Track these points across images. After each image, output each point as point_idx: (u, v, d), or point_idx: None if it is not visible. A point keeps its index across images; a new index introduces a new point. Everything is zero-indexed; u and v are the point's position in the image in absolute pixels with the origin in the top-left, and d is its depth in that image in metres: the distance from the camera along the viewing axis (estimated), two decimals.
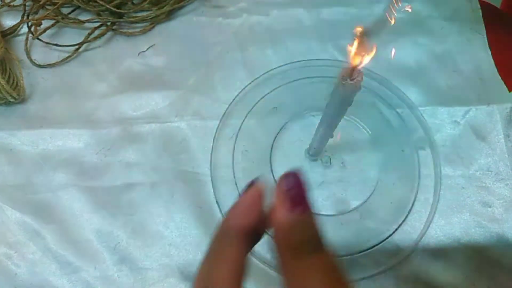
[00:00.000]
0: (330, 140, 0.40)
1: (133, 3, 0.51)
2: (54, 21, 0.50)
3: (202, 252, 0.42)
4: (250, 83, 0.48)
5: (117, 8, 0.49)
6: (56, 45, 0.49)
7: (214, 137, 0.46)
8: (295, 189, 0.23)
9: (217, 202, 0.43)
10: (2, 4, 0.50)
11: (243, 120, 0.46)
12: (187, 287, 0.41)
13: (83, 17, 0.50)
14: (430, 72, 0.49)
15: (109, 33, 0.50)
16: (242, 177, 0.44)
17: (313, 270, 0.22)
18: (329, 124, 0.35)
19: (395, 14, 0.27)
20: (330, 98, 0.31)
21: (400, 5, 0.27)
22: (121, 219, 0.43)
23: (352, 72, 0.27)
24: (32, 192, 0.44)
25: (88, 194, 0.44)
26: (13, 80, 0.46)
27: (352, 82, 0.27)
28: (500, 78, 0.49)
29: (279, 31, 0.51)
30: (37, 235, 0.42)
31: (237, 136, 0.46)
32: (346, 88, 0.28)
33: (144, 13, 0.50)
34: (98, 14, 0.50)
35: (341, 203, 0.43)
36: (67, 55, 0.49)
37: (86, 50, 0.50)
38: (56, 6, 0.49)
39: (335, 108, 0.31)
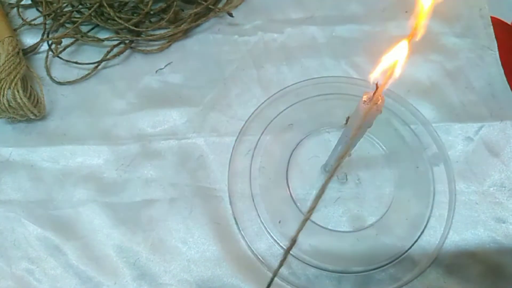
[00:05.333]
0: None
1: (150, 22, 0.52)
2: (73, 39, 0.51)
3: (220, 268, 0.42)
4: (266, 100, 0.48)
5: (135, 26, 0.50)
6: (76, 62, 0.50)
7: (231, 153, 0.46)
8: None
9: (234, 218, 0.44)
10: (23, 23, 0.51)
11: (260, 137, 0.47)
12: None
13: (102, 35, 0.52)
14: (442, 89, 0.50)
15: (128, 51, 0.51)
16: (259, 193, 0.45)
17: None
18: (348, 144, 0.35)
19: None
20: (350, 120, 0.32)
21: None
22: (141, 235, 0.44)
23: (373, 96, 0.28)
24: (53, 208, 0.45)
25: (108, 210, 0.44)
26: (34, 97, 0.46)
27: (373, 106, 0.28)
28: None
29: (293, 49, 0.52)
30: (58, 250, 0.43)
31: (253, 152, 0.46)
32: (368, 112, 0.28)
33: (162, 31, 0.51)
34: (117, 32, 0.51)
35: (357, 219, 0.44)
36: (86, 72, 0.50)
37: (105, 67, 0.51)
38: (75, 25, 0.50)
39: (356, 130, 0.32)
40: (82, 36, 0.51)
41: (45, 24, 0.51)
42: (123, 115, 0.48)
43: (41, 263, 0.43)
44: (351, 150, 0.37)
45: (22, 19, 0.51)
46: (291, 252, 0.42)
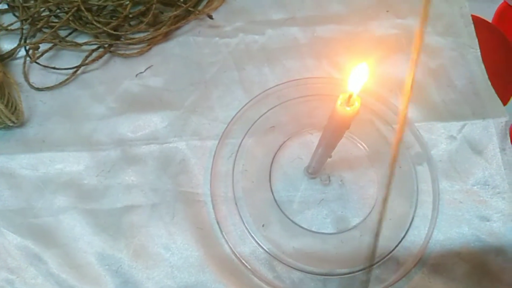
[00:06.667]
0: (329, 159, 0.41)
1: (130, 25, 0.51)
2: (51, 44, 0.50)
3: (204, 273, 0.42)
4: (248, 102, 0.48)
5: (114, 30, 0.49)
6: (54, 68, 0.49)
7: (213, 156, 0.46)
8: None
9: (217, 222, 0.43)
10: (0, 28, 0.50)
11: (242, 140, 0.46)
12: None
13: (80, 39, 0.51)
14: (425, 88, 0.50)
15: (107, 55, 0.50)
16: (242, 196, 0.44)
17: None
18: (327, 146, 0.35)
19: None
20: (327, 122, 0.32)
21: None
22: (122, 242, 0.43)
23: (349, 99, 0.28)
24: (32, 216, 0.44)
25: (89, 217, 0.44)
26: (12, 104, 0.46)
27: (349, 108, 0.28)
28: (494, 92, 0.49)
29: (275, 50, 0.51)
30: (38, 259, 0.42)
31: (236, 155, 0.46)
32: (344, 114, 0.28)
33: (141, 35, 0.50)
34: (96, 37, 0.51)
35: (341, 220, 0.44)
36: (65, 77, 0.49)
37: (84, 72, 0.50)
38: (53, 30, 0.49)
39: (333, 131, 0.32)
40: (60, 41, 0.50)
41: (22, 29, 0.50)
42: (103, 120, 0.48)
43: (21, 273, 0.42)
44: (331, 151, 0.37)
45: None
46: (275, 255, 0.42)
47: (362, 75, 0.28)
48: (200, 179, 0.45)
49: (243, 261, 0.42)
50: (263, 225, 0.43)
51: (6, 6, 0.52)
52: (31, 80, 0.49)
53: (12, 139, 0.47)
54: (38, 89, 0.49)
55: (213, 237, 0.43)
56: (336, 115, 0.29)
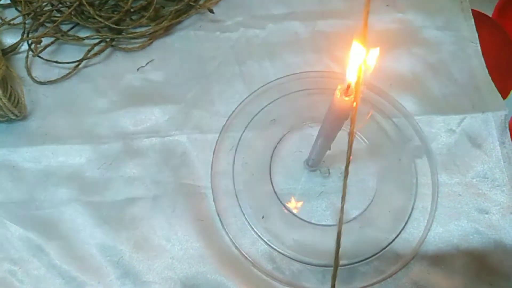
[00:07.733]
0: (328, 151, 0.41)
1: (131, 19, 0.52)
2: (54, 38, 0.50)
3: (204, 265, 0.42)
4: (248, 96, 0.48)
5: (116, 25, 0.50)
6: (56, 62, 0.49)
7: (214, 150, 0.46)
8: None
9: (218, 214, 0.44)
10: (2, 22, 0.51)
11: (242, 133, 0.47)
12: None
13: (82, 34, 0.51)
14: (425, 82, 0.50)
15: (109, 49, 0.51)
16: (242, 189, 0.45)
17: None
18: (327, 137, 0.36)
19: None
20: (326, 113, 0.32)
21: None
22: (124, 234, 0.43)
23: (348, 89, 0.28)
24: (35, 208, 0.44)
25: (91, 209, 0.44)
26: (15, 97, 0.46)
27: (347, 98, 0.28)
28: (494, 86, 0.49)
29: (275, 44, 0.52)
30: (40, 251, 0.43)
31: (236, 148, 0.46)
32: (342, 104, 0.28)
33: (143, 29, 0.51)
34: (97, 31, 0.51)
35: None
36: (67, 71, 0.49)
37: (86, 66, 0.50)
38: (55, 24, 0.49)
39: (332, 122, 0.32)
40: (62, 35, 0.50)
41: (24, 23, 0.50)
42: (105, 114, 0.48)
43: (23, 264, 0.42)
44: (331, 143, 0.37)
45: (1, 18, 0.51)
46: (275, 247, 0.42)
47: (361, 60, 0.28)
48: (201, 172, 0.46)
49: (243, 252, 0.43)
50: (263, 217, 0.44)
51: (8, 1, 0.52)
52: (33, 74, 0.50)
53: (14, 132, 0.47)
54: (40, 83, 0.49)
55: (214, 229, 0.44)
56: (334, 105, 0.29)
